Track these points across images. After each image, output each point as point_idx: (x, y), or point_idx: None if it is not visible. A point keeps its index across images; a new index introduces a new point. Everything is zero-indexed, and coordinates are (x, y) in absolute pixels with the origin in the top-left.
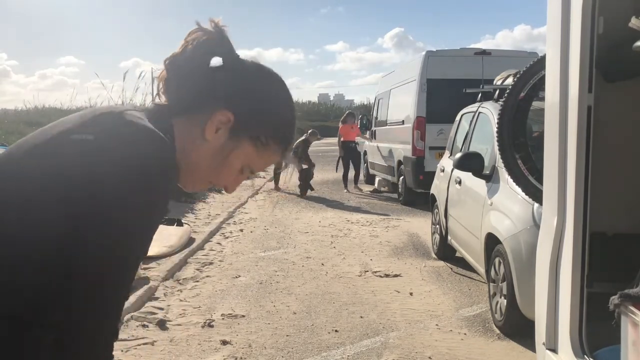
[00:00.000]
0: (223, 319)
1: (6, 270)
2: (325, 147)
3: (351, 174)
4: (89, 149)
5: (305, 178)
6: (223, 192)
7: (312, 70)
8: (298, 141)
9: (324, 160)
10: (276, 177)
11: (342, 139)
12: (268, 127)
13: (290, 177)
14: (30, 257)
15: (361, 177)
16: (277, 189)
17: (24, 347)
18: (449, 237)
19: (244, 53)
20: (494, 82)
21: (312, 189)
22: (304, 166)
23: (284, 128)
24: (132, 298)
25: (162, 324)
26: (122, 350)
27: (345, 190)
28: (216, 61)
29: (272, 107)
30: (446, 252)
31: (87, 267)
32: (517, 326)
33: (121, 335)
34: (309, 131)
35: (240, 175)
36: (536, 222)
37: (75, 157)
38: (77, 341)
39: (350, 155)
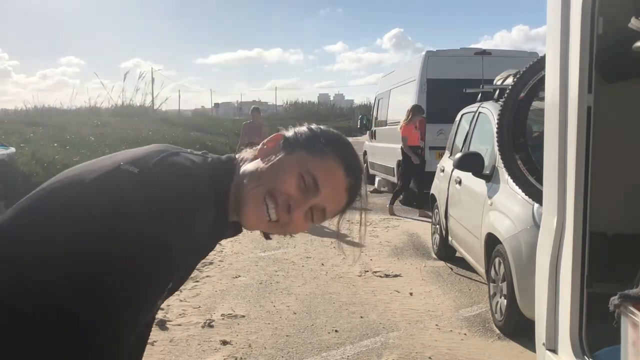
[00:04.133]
0: (223, 319)
1: (42, 277)
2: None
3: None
4: (129, 181)
5: None
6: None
7: (311, 70)
8: None
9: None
10: None
11: (407, 144)
12: (324, 140)
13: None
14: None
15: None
16: None
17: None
18: (449, 237)
19: (244, 53)
20: (494, 82)
21: None
22: None
23: (340, 144)
24: None
25: (162, 324)
26: None
27: (393, 205)
28: None
29: (327, 132)
30: (446, 252)
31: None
32: (517, 326)
33: None
34: None
35: (301, 183)
36: (536, 222)
37: (116, 186)
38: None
39: (412, 165)
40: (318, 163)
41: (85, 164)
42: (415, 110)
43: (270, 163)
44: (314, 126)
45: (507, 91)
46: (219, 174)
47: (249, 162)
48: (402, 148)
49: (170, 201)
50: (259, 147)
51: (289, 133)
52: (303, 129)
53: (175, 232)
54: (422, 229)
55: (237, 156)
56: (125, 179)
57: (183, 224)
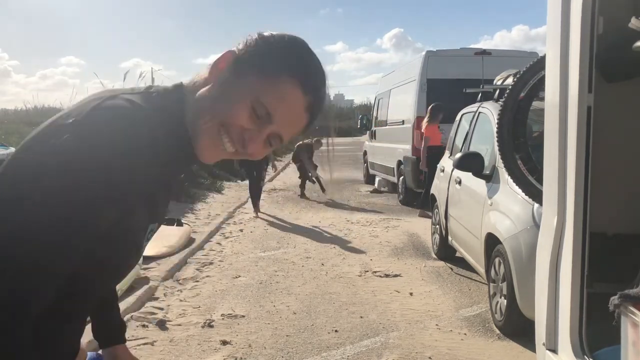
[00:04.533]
0: (223, 319)
1: None
2: (325, 146)
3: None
4: (64, 133)
5: (306, 179)
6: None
7: None
8: (302, 143)
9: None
10: (303, 183)
11: (429, 143)
12: (276, 57)
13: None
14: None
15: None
16: (302, 195)
17: None
18: (449, 237)
19: None
20: (494, 82)
21: (323, 191)
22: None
23: (295, 58)
24: (132, 298)
25: (162, 324)
26: None
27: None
28: None
29: (280, 43)
30: (446, 252)
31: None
32: (517, 326)
33: None
34: (314, 139)
35: (253, 115)
36: (536, 222)
37: (52, 139)
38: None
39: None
40: (270, 89)
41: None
42: (436, 109)
43: (220, 92)
44: (266, 34)
45: (507, 91)
46: (166, 106)
47: (202, 88)
48: (422, 149)
49: (110, 147)
50: (210, 67)
51: (240, 49)
52: (253, 40)
53: (124, 178)
54: (422, 229)
55: (186, 82)
56: (61, 133)
57: (131, 168)
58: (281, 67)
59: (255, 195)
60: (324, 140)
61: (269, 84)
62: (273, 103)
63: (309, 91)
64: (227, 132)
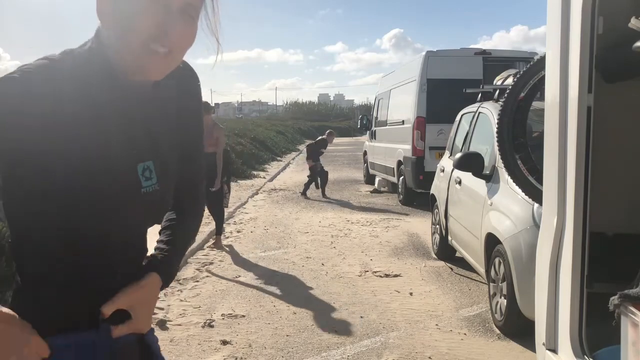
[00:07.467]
0: (223, 319)
1: None
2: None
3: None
4: None
5: (313, 180)
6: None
7: (311, 70)
8: (316, 142)
9: (325, 161)
10: (307, 186)
11: None
12: None
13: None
14: None
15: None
16: (304, 194)
17: None
18: (450, 238)
19: (244, 54)
20: (494, 82)
21: (324, 195)
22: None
23: None
24: None
25: (162, 324)
26: None
27: None
28: None
29: None
30: (446, 252)
31: None
32: (517, 326)
33: None
34: (327, 132)
35: (154, 9)
36: (536, 222)
37: None
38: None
39: None
40: None
41: None
42: None
43: (120, 18)
44: None
45: (507, 91)
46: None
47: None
48: None
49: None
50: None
51: None
52: None
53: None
54: (422, 229)
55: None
56: None
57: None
58: None
59: (218, 216)
60: None
61: None
62: None
63: None
64: (151, 40)
